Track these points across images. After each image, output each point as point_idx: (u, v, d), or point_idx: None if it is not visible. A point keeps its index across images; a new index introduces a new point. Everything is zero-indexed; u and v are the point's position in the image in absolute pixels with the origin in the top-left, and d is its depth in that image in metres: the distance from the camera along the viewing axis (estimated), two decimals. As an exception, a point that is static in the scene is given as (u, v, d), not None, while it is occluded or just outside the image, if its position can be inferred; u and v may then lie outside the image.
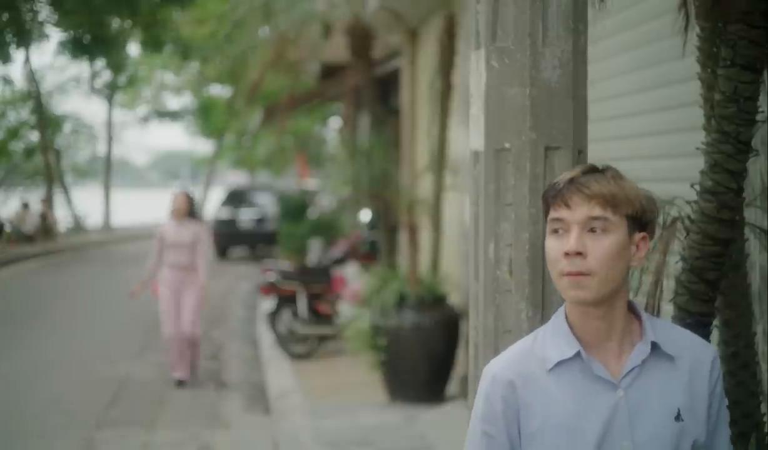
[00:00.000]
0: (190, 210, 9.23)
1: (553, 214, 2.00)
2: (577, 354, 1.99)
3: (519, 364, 2.03)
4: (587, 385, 1.98)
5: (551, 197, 2.01)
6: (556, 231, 1.99)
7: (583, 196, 1.96)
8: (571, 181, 1.99)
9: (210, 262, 9.64)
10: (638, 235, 2.02)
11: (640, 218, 2.02)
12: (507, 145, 2.40)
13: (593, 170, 2.02)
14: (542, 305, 2.39)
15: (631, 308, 2.06)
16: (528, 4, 2.40)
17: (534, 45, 2.40)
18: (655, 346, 2.01)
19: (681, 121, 4.45)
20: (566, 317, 2.04)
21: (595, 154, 2.59)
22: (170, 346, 9.22)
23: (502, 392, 2.01)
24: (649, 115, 5.03)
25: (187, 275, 9.07)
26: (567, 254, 1.95)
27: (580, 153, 2.44)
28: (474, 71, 2.52)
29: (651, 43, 4.89)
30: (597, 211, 1.96)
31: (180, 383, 9.11)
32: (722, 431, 2.07)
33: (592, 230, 1.96)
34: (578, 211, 1.96)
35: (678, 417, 1.99)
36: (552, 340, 2.03)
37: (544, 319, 2.38)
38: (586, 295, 1.96)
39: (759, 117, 2.82)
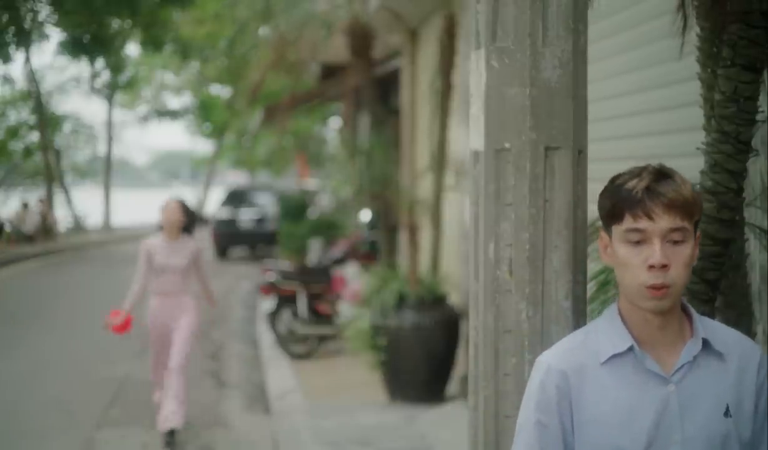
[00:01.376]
0: (185, 224, 7.28)
1: (631, 224, 1.99)
2: (630, 348, 2.02)
3: (572, 357, 2.06)
4: (639, 379, 2.02)
5: (628, 207, 1.99)
6: (635, 241, 1.99)
7: (664, 207, 1.96)
8: (649, 189, 1.97)
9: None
10: (696, 236, 2.05)
11: (699, 219, 2.05)
12: (507, 145, 2.40)
13: (663, 175, 2.01)
14: (542, 305, 2.38)
15: (683, 307, 2.09)
16: (528, 4, 2.40)
17: (534, 45, 2.40)
18: (706, 343, 2.04)
19: (681, 121, 4.45)
20: (619, 313, 2.07)
21: (596, 155, 2.59)
22: (155, 390, 7.50)
23: (557, 381, 2.04)
24: (649, 115, 5.03)
25: (179, 304, 7.22)
26: (652, 267, 1.96)
27: (580, 153, 2.44)
28: (474, 71, 2.51)
29: (651, 43, 4.89)
30: (678, 222, 1.97)
31: (169, 440, 6.98)
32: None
33: (673, 240, 1.97)
34: (660, 222, 1.96)
35: (727, 413, 2.02)
36: (605, 334, 2.06)
37: (544, 318, 2.38)
38: (666, 305, 2.00)
39: (759, 117, 2.82)
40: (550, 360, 2.08)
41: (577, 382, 2.03)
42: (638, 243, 1.99)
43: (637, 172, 2.03)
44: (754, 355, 2.10)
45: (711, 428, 2.01)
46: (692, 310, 2.10)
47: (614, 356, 2.03)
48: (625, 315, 2.06)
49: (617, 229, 2.03)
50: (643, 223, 1.97)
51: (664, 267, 1.96)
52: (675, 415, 2.00)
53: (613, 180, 2.09)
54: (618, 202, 2.02)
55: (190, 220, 7.34)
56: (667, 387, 2.01)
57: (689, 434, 1.99)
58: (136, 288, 7.18)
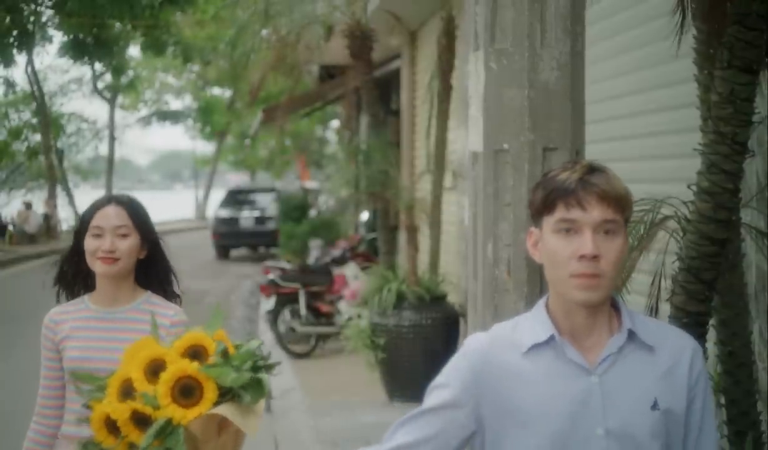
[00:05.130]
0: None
1: (563, 214, 1.97)
2: (552, 338, 2.00)
3: (496, 346, 2.04)
4: (561, 370, 1.99)
5: (561, 197, 1.97)
6: (565, 231, 1.97)
7: (597, 198, 1.95)
8: (582, 180, 1.96)
9: None
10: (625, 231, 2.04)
11: (629, 216, 2.05)
12: (505, 146, 2.42)
13: (596, 168, 2.00)
14: (540, 304, 2.40)
15: (613, 302, 2.06)
16: (526, 7, 2.42)
17: (532, 47, 2.42)
18: (632, 334, 2.01)
19: (678, 122, 4.47)
20: (546, 307, 2.05)
21: (593, 155, 2.62)
22: None
23: (472, 363, 2.02)
24: (647, 116, 5.05)
25: None
26: (583, 257, 1.94)
27: (577, 154, 2.46)
28: (473, 73, 2.54)
29: (648, 44, 4.91)
30: (610, 214, 1.95)
31: None
32: (709, 429, 2.05)
33: (605, 232, 1.96)
34: (593, 213, 1.95)
35: (654, 406, 1.98)
36: (530, 325, 2.04)
37: (541, 317, 2.40)
38: (597, 297, 1.97)
39: (755, 118, 2.84)
40: (474, 344, 2.07)
41: (496, 372, 2.01)
42: (569, 233, 1.96)
43: (569, 166, 2.03)
44: (686, 347, 2.05)
45: (636, 421, 1.96)
46: (621, 304, 2.07)
47: (536, 347, 2.00)
48: (552, 308, 2.03)
49: (549, 221, 2.00)
50: (576, 214, 1.96)
51: (594, 258, 1.93)
52: (598, 408, 1.96)
53: (545, 174, 2.08)
54: (551, 193, 2.00)
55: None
56: (590, 378, 1.97)
57: (612, 427, 1.95)
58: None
